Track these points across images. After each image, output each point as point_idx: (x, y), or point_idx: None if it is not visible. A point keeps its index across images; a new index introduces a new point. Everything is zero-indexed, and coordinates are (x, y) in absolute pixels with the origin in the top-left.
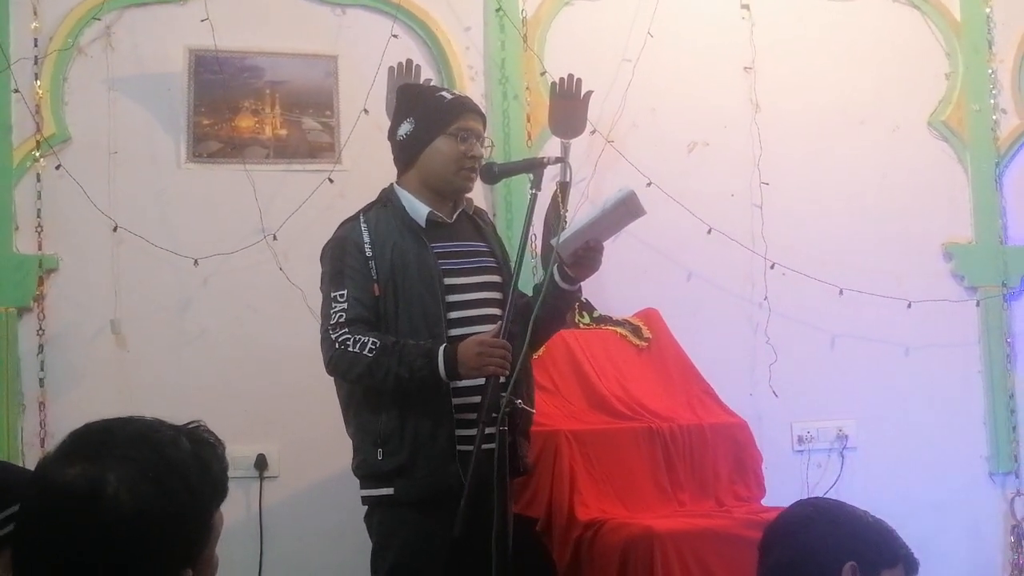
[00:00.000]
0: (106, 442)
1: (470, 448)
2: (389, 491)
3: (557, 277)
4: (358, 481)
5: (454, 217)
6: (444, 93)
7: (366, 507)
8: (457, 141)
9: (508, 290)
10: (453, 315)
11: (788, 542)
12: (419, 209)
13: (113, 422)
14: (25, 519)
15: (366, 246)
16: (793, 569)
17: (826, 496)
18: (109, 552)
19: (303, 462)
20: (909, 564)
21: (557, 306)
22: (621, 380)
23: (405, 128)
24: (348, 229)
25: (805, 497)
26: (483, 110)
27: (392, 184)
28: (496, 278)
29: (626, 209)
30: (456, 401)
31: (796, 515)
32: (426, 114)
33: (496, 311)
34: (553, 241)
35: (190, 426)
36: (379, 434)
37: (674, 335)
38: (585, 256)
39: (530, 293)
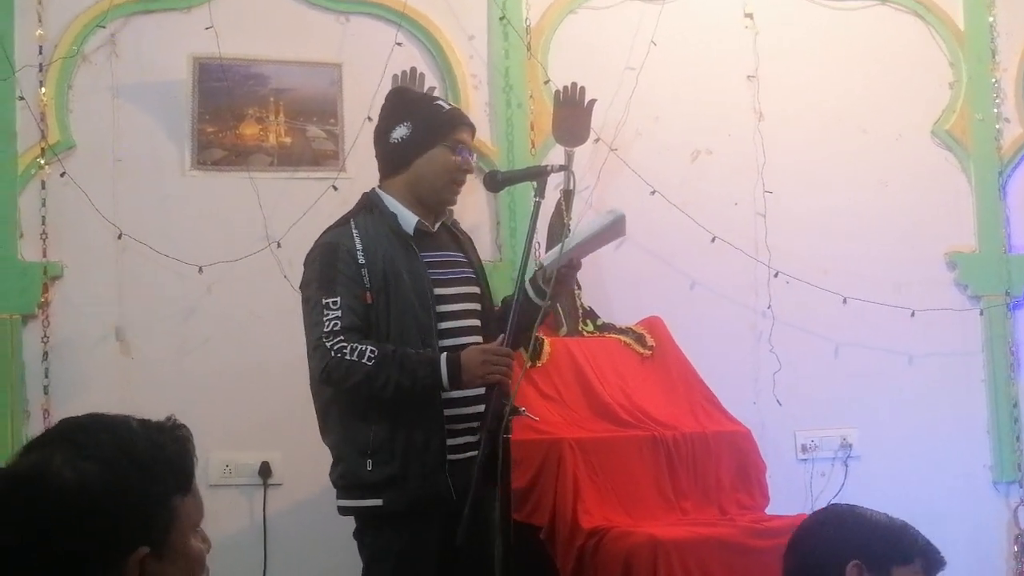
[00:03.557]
0: (59, 431)
1: (459, 457)
2: (377, 502)
3: (532, 293)
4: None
5: (436, 227)
6: (441, 102)
7: (356, 521)
8: (453, 153)
9: (485, 301)
10: (442, 326)
11: (799, 548)
12: (408, 217)
13: (69, 418)
14: None
15: (358, 253)
16: (805, 570)
17: (850, 504)
18: (56, 529)
19: (307, 469)
20: (930, 560)
21: (530, 322)
22: (625, 388)
23: (401, 132)
24: (338, 235)
25: (815, 505)
26: (487, 118)
27: (375, 189)
28: (476, 289)
29: (614, 230)
30: (448, 412)
31: (811, 521)
32: (424, 121)
33: (477, 322)
34: (543, 260)
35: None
36: (368, 444)
37: (678, 343)
38: (563, 274)
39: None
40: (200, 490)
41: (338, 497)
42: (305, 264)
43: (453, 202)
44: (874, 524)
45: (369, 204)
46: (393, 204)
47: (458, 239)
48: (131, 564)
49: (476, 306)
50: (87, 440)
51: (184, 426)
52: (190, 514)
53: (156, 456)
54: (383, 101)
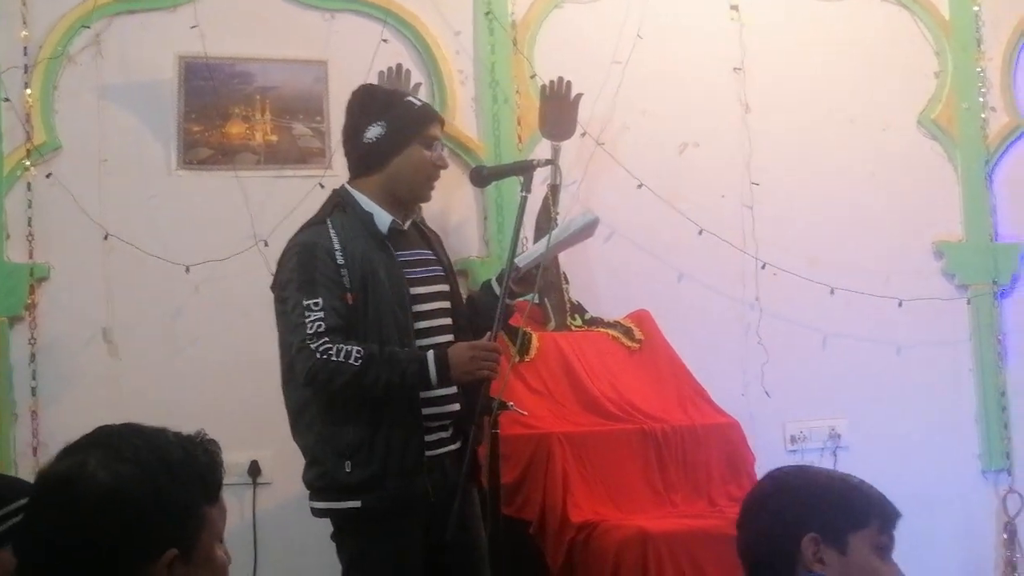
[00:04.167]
0: (95, 437)
1: (434, 453)
2: (355, 504)
3: (496, 290)
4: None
5: (407, 225)
6: (411, 99)
7: (333, 524)
8: (429, 149)
9: (456, 299)
10: (419, 325)
11: (750, 522)
12: (383, 217)
13: (106, 426)
14: (22, 514)
15: (337, 253)
16: (758, 547)
17: (793, 465)
18: (91, 530)
19: (297, 469)
20: (884, 519)
21: (499, 318)
22: (613, 382)
23: (375, 131)
24: (315, 234)
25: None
26: (473, 114)
27: (344, 186)
28: (446, 287)
29: (586, 232)
30: (425, 411)
31: (758, 492)
32: (399, 119)
33: (448, 320)
34: (518, 260)
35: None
36: (347, 446)
37: (666, 336)
38: (530, 274)
39: (479, 300)
40: None
41: (312, 499)
42: (279, 264)
43: (429, 198)
44: (823, 489)
45: (342, 203)
46: (367, 203)
47: (427, 237)
48: (161, 565)
49: (447, 304)
50: (122, 444)
51: (214, 441)
52: (216, 523)
53: (189, 464)
54: (350, 99)
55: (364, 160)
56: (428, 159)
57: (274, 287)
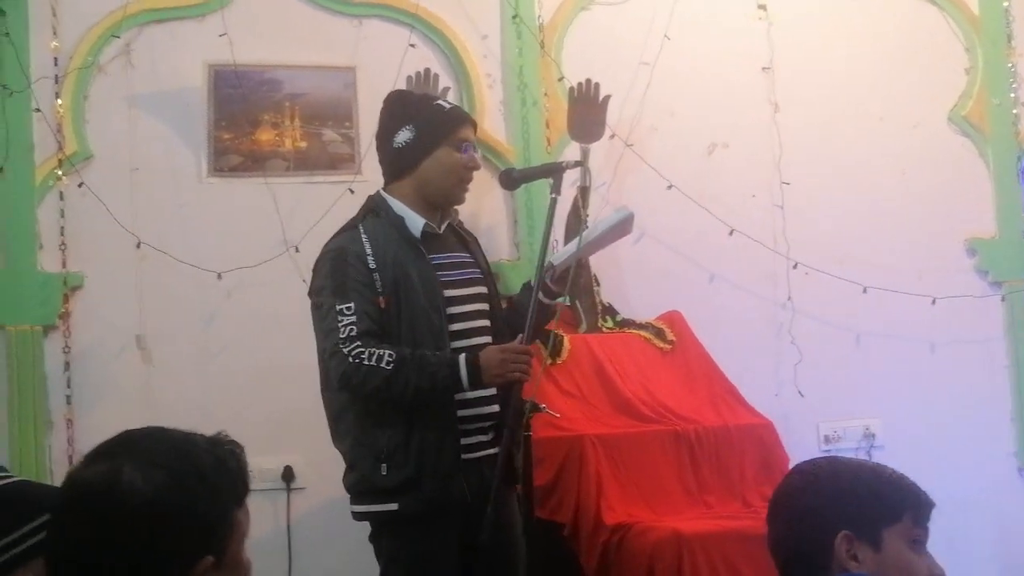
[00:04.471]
0: (123, 442)
1: (472, 456)
2: (393, 507)
3: (540, 293)
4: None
5: (442, 228)
6: (441, 102)
7: (371, 527)
8: (459, 151)
9: (494, 301)
10: (453, 327)
11: (783, 516)
12: (415, 220)
13: (132, 430)
14: (54, 523)
15: (368, 258)
16: (790, 543)
17: (822, 457)
18: (130, 538)
19: (330, 473)
20: (918, 511)
21: (541, 320)
22: (645, 383)
23: (404, 136)
24: (347, 239)
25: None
26: (502, 117)
27: (379, 192)
28: (483, 289)
29: (622, 229)
30: (461, 413)
31: (788, 485)
32: (427, 123)
33: (486, 322)
34: (553, 260)
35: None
36: (382, 449)
37: (698, 337)
38: (568, 272)
39: (520, 302)
40: None
41: (352, 503)
42: (314, 270)
43: (462, 200)
44: (855, 484)
45: (375, 208)
46: (400, 207)
47: (464, 240)
48: (198, 573)
49: (485, 306)
50: (154, 449)
51: (238, 443)
52: (244, 526)
53: (218, 468)
54: (381, 106)
55: (395, 164)
56: (458, 161)
57: (310, 293)
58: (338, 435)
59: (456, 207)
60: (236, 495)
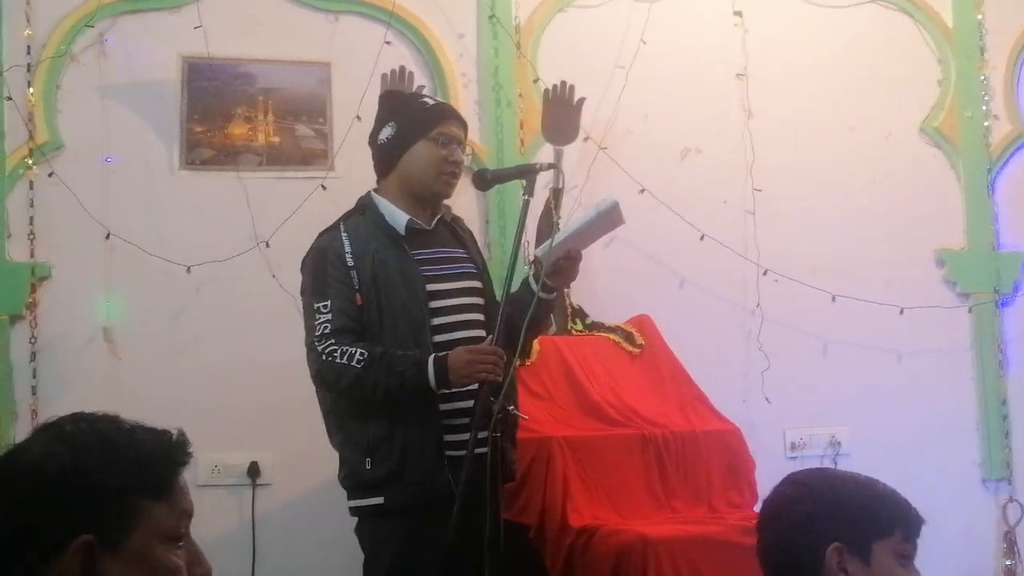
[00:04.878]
0: (56, 421)
1: (459, 453)
2: (379, 500)
3: (535, 287)
4: (345, 493)
5: (433, 224)
6: (426, 99)
7: (356, 519)
8: (438, 146)
9: (488, 296)
10: (436, 321)
11: (774, 525)
12: (398, 217)
13: (78, 412)
14: None
15: (347, 256)
16: (781, 552)
17: (815, 468)
18: (9, 505)
19: (296, 470)
20: (908, 527)
21: (534, 316)
22: (614, 386)
23: (386, 132)
24: (328, 239)
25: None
26: (476, 117)
27: (370, 192)
28: (476, 283)
29: (609, 219)
30: (444, 407)
31: (780, 495)
32: (408, 118)
33: (478, 316)
34: (538, 252)
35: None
36: (367, 443)
37: (667, 341)
38: (564, 266)
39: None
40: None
41: (347, 499)
42: (301, 270)
43: (448, 194)
44: (848, 497)
45: (362, 207)
46: (385, 205)
47: (459, 236)
48: (72, 549)
49: (476, 300)
50: (68, 427)
51: (184, 437)
52: (161, 521)
53: (128, 450)
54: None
55: (381, 161)
56: (437, 155)
57: (300, 294)
58: (331, 432)
59: (446, 203)
60: (144, 481)
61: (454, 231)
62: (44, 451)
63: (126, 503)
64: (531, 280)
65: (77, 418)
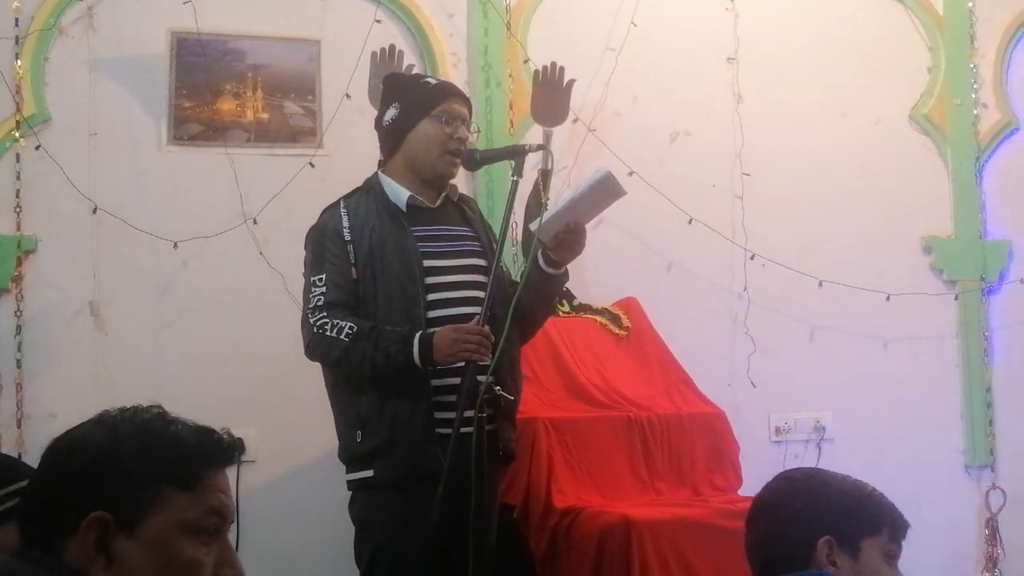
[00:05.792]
0: (107, 411)
1: (449, 431)
2: (368, 473)
3: (541, 262)
4: (344, 467)
5: (437, 203)
6: (429, 79)
7: (351, 492)
8: (441, 123)
9: (495, 275)
10: (433, 297)
11: (767, 518)
12: (400, 194)
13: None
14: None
15: (345, 231)
16: (772, 545)
17: (808, 467)
18: (48, 482)
19: (282, 446)
20: (895, 528)
21: (543, 291)
22: (600, 368)
23: (391, 113)
24: (329, 215)
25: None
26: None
27: (376, 172)
28: (480, 262)
29: (604, 190)
30: (435, 383)
31: (774, 490)
32: (411, 98)
33: (480, 293)
34: (532, 226)
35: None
36: (359, 417)
37: (653, 324)
38: (567, 239)
39: (517, 280)
40: None
41: (345, 472)
42: (304, 248)
43: (453, 174)
44: (840, 495)
45: (367, 185)
46: (388, 183)
47: (466, 215)
48: (86, 523)
49: (477, 278)
50: (115, 415)
51: (226, 438)
52: (184, 512)
53: (162, 439)
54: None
55: (386, 142)
56: (441, 133)
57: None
58: (333, 406)
59: (453, 182)
60: (171, 470)
61: (462, 210)
62: (85, 431)
63: (147, 488)
64: (538, 257)
65: (128, 408)
